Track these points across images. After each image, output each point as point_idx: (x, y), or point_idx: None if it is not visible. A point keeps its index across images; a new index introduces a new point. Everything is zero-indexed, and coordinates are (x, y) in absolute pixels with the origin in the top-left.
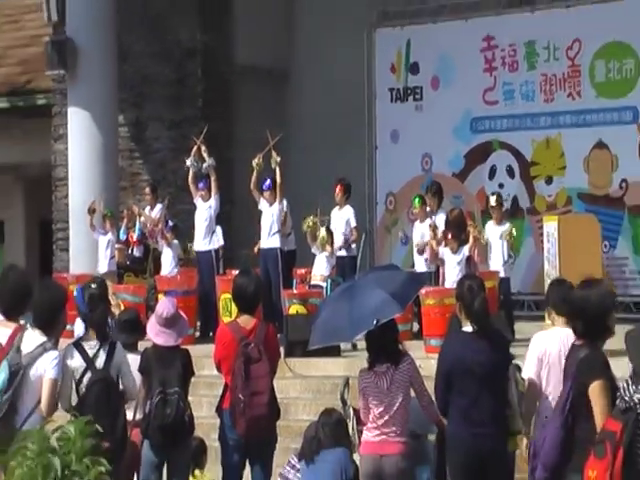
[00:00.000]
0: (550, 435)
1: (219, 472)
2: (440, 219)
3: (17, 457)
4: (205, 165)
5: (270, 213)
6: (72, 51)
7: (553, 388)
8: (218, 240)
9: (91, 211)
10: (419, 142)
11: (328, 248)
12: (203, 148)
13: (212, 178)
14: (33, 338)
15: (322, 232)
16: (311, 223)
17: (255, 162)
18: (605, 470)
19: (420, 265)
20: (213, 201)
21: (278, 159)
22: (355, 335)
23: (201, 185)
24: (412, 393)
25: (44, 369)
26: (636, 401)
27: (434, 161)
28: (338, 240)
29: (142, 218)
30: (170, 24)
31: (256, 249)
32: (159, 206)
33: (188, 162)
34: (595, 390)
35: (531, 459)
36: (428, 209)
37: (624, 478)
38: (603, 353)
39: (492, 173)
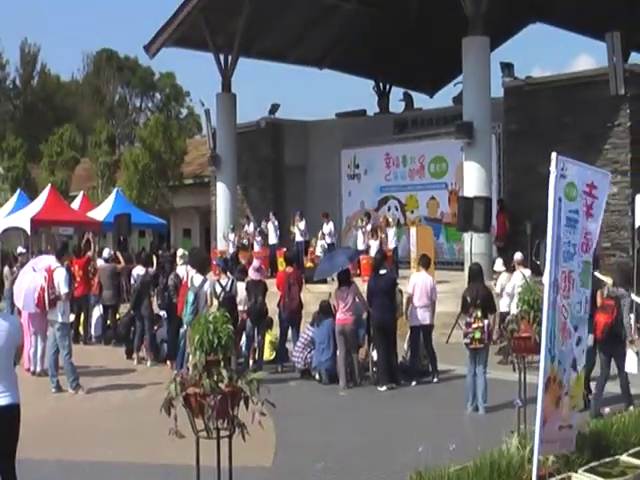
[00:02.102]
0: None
1: (278, 331)
2: (369, 227)
3: (195, 325)
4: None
5: (299, 226)
6: (218, 160)
7: (417, 297)
8: (277, 238)
9: (225, 238)
10: (359, 196)
11: (324, 247)
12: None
13: (272, 213)
14: (198, 277)
15: (322, 245)
16: (314, 243)
17: (290, 230)
18: (609, 318)
19: (361, 246)
20: (276, 222)
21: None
22: (332, 273)
23: (271, 214)
24: (357, 299)
25: (206, 289)
26: (617, 293)
27: (365, 204)
28: (328, 236)
29: (244, 230)
30: (258, 148)
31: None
32: (252, 224)
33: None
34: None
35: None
36: (364, 223)
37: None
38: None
39: (389, 209)
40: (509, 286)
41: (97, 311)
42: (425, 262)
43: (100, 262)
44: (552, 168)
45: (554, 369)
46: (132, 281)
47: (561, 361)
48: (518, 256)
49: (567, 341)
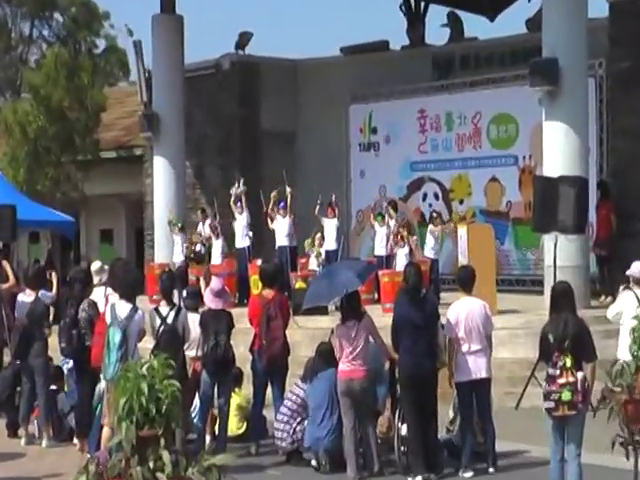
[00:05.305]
0: None
1: (251, 390)
2: (392, 224)
3: (121, 381)
4: (240, 190)
5: (283, 223)
6: (156, 121)
7: (464, 334)
8: (250, 240)
9: (169, 223)
10: (377, 178)
11: (320, 259)
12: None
13: (244, 199)
14: (124, 306)
15: (317, 250)
16: (306, 246)
17: (273, 194)
18: None
19: (379, 251)
20: (245, 215)
21: (289, 189)
22: (331, 299)
23: (238, 204)
24: (372, 340)
25: (137, 323)
26: None
27: (387, 190)
28: (329, 238)
29: (198, 232)
30: (219, 103)
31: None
32: (208, 221)
33: (232, 190)
34: None
35: None
36: (386, 219)
37: None
38: None
39: (424, 197)
40: (610, 312)
41: None
42: (465, 281)
43: None
44: None
45: None
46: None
47: None
48: (635, 269)
49: None
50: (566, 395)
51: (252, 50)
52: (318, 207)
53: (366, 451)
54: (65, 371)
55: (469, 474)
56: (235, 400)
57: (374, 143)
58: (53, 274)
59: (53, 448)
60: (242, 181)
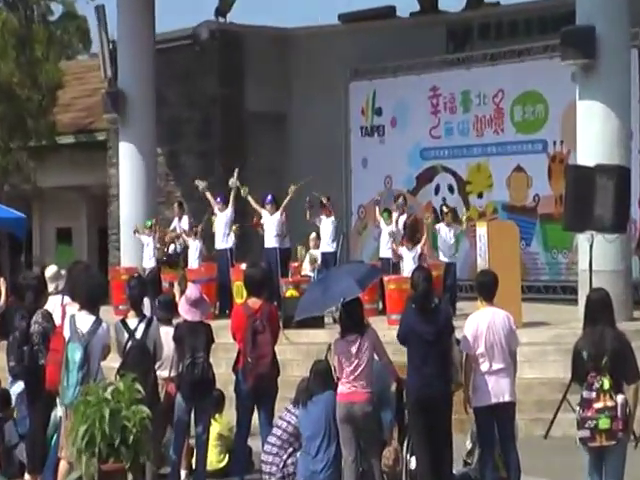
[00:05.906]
0: None
1: (234, 416)
2: (401, 220)
3: (81, 407)
4: (231, 183)
5: (271, 221)
6: (122, 100)
7: (484, 351)
8: (232, 241)
9: (135, 232)
10: (382, 167)
11: (316, 264)
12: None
13: (232, 194)
14: (85, 318)
15: (312, 255)
16: (299, 252)
17: (231, 182)
18: None
19: (386, 254)
20: (229, 211)
21: (293, 187)
22: (326, 308)
23: (219, 199)
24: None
25: (101, 338)
26: None
27: (393, 181)
28: (326, 239)
29: (171, 229)
30: (196, 79)
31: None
32: (185, 217)
33: (201, 185)
34: None
35: None
36: (393, 215)
37: None
38: None
39: (437, 190)
40: None
41: None
42: (486, 288)
43: None
44: None
45: None
46: None
47: None
48: None
49: None
50: (604, 422)
51: (235, 17)
52: (308, 212)
53: None
54: (14, 395)
55: None
56: (215, 428)
57: (378, 127)
58: (1, 280)
59: None
60: (236, 174)
